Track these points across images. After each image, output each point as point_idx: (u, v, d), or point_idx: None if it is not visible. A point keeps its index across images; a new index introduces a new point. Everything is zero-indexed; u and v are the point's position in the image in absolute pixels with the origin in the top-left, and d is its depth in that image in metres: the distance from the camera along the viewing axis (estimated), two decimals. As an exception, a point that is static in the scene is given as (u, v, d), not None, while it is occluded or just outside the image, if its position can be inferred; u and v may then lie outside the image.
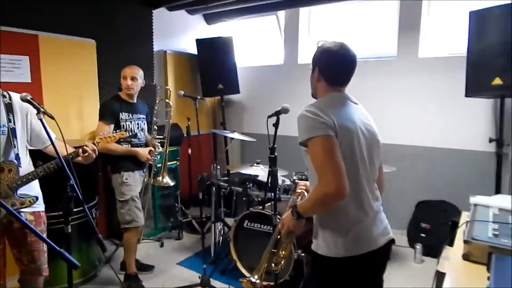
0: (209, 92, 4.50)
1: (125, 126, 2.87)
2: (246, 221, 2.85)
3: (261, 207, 2.86)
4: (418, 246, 3.34)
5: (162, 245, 3.75)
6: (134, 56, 3.98)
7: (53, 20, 3.23)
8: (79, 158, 2.06)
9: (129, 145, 2.89)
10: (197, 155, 4.33)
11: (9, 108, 1.93)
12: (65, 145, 2.03)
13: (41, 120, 1.80)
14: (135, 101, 3.00)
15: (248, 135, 3.58)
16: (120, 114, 2.84)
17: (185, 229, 4.09)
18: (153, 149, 2.96)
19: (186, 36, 4.64)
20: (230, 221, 3.52)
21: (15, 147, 1.94)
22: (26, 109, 1.99)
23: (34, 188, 2.06)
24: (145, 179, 3.07)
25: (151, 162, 2.99)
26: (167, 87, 3.41)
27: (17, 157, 1.94)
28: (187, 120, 4.11)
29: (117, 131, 2.55)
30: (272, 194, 2.19)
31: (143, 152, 2.86)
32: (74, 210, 2.85)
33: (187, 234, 4.05)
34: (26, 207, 1.97)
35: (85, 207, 1.87)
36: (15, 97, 1.93)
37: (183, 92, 3.12)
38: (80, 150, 2.04)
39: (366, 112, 1.59)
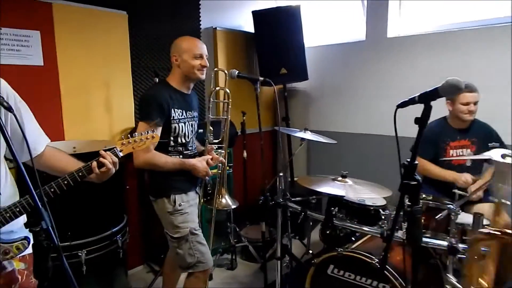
0: (269, 78, 3.55)
1: (177, 130, 1.93)
2: (332, 267, 1.86)
3: (355, 246, 1.86)
4: None
5: (210, 278, 2.89)
6: (175, 35, 3.15)
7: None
8: (93, 175, 1.30)
9: (180, 156, 1.98)
10: (253, 159, 3.44)
11: None
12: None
13: (15, 116, 1.07)
14: (189, 93, 2.06)
15: (317, 134, 2.54)
16: (172, 111, 1.90)
17: (240, 254, 3.19)
18: (210, 158, 2.02)
19: (241, 9, 3.72)
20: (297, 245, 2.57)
21: None
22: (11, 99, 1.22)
23: (19, 223, 1.25)
24: (200, 201, 2.15)
25: (208, 178, 2.08)
26: (221, 69, 2.30)
27: None
28: (242, 114, 3.26)
29: (149, 132, 1.59)
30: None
31: (201, 165, 1.94)
32: (96, 238, 2.15)
33: (242, 261, 3.15)
34: (11, 257, 1.22)
35: (65, 263, 1.04)
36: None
37: (237, 72, 2.12)
38: (94, 163, 1.29)
39: None
